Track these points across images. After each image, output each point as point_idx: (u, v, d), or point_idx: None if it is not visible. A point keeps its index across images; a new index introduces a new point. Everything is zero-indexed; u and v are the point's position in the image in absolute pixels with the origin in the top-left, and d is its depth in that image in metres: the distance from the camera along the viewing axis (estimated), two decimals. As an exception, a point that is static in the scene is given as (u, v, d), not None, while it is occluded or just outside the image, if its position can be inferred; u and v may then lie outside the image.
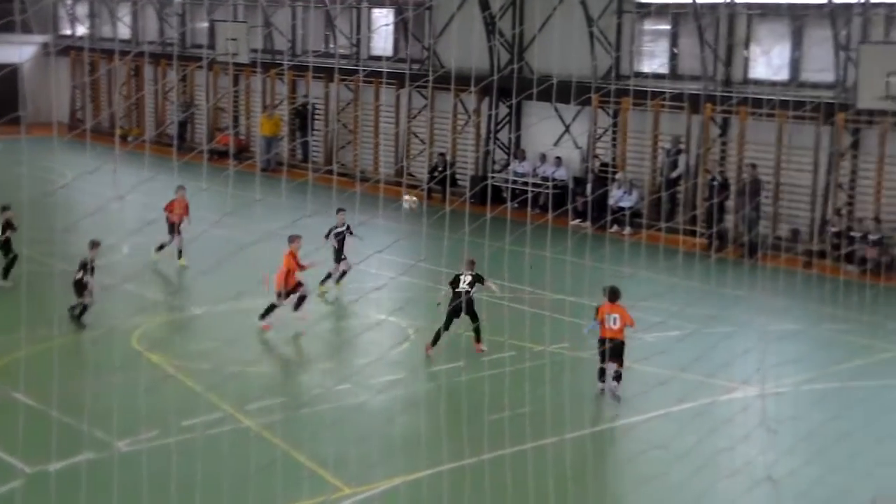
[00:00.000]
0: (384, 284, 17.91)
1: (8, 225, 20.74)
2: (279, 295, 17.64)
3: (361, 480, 12.24)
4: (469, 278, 16.90)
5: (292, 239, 17.56)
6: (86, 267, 17.72)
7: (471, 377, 14.73)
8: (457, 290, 16.82)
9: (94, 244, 17.98)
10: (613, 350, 15.35)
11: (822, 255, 24.43)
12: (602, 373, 15.55)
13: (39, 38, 46.41)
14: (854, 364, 17.29)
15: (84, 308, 17.74)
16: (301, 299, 17.76)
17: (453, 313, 16.73)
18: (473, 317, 16.86)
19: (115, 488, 10.61)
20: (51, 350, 15.90)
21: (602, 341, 15.42)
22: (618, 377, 15.32)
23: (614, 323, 15.39)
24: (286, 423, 13.74)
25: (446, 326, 16.83)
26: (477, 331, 16.95)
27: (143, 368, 15.65)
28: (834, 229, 24.69)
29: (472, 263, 17.02)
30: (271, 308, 17.81)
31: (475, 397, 13.76)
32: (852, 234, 24.33)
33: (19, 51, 42.68)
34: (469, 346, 17.15)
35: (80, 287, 17.74)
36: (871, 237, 24.11)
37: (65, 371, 14.66)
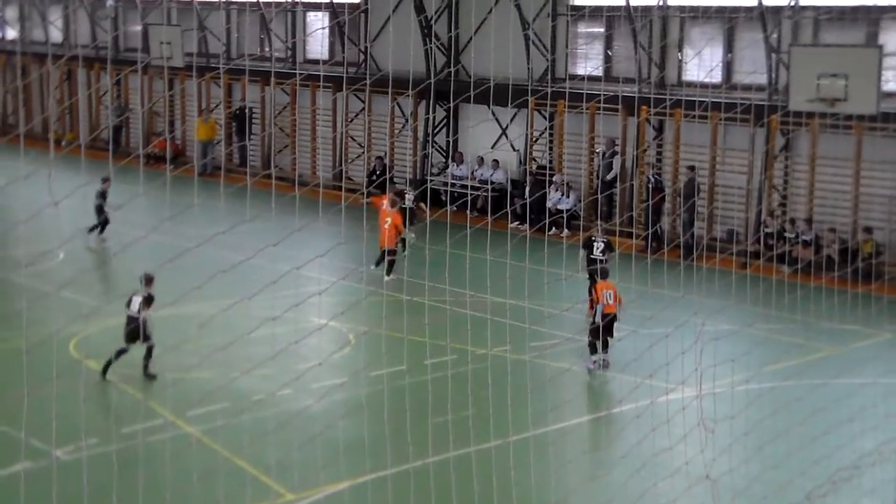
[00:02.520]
0: (325, 289, 17.83)
1: None
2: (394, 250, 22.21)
3: (305, 485, 12.19)
4: (602, 245, 20.19)
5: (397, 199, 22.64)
6: (138, 303, 16.24)
7: (414, 380, 14.72)
8: (591, 255, 19.93)
9: (149, 279, 16.51)
10: (610, 323, 16.82)
11: (756, 255, 24.80)
12: (594, 347, 17.02)
13: (-31, 42, 45.67)
14: (788, 364, 17.58)
15: (150, 352, 16.45)
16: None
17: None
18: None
19: (55, 497, 10.44)
20: (-14, 358, 15.63)
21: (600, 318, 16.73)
22: (606, 347, 16.96)
23: (609, 298, 17.01)
24: (227, 429, 13.64)
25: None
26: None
27: (81, 376, 15.43)
28: (768, 230, 25.08)
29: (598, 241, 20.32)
30: (392, 263, 22.11)
31: (418, 400, 13.74)
32: (786, 234, 24.73)
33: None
34: (411, 350, 17.14)
35: (135, 332, 16.27)
36: (804, 237, 24.53)
37: (1, 379, 14.41)
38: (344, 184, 32.69)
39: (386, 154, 32.90)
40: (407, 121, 32.92)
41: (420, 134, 32.78)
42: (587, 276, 20.18)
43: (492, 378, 14.87)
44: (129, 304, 16.28)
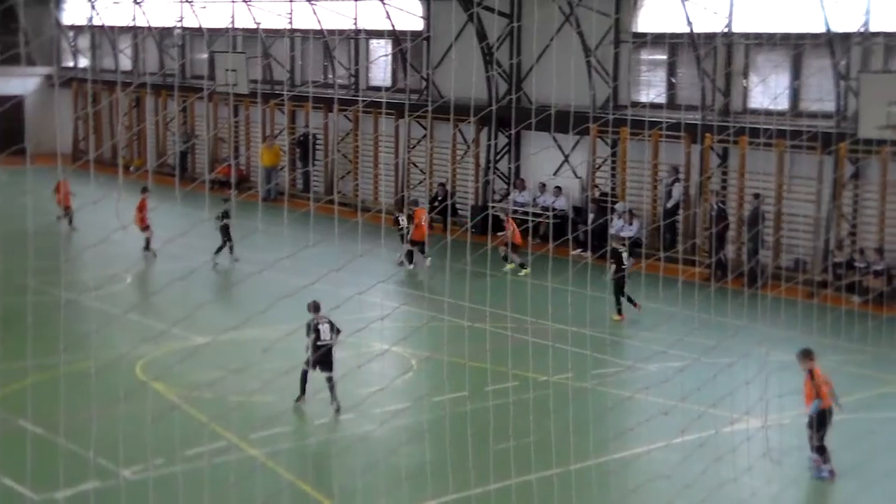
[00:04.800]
0: (387, 314, 17.92)
1: None
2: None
3: (367, 510, 12.24)
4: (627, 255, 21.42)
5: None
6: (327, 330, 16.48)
7: (475, 407, 14.75)
8: (622, 265, 20.90)
9: (316, 307, 16.63)
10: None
11: (824, 285, 24.46)
12: (824, 450, 14.32)
13: (43, 70, 46.64)
14: (858, 396, 17.29)
15: (332, 382, 16.39)
16: None
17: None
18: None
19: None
20: (56, 379, 15.92)
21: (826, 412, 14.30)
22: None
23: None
24: (291, 453, 13.74)
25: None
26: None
27: (147, 398, 15.66)
28: (837, 259, 24.74)
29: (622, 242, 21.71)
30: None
31: (480, 427, 13.77)
32: (855, 264, 24.37)
33: (23, 83, 42.90)
34: (473, 376, 17.17)
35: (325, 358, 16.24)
36: (874, 267, 24.16)
37: (70, 400, 14.67)
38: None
39: (448, 180, 33.05)
40: (469, 147, 33.05)
41: (482, 160, 32.88)
42: (615, 286, 21.78)
43: (553, 405, 14.85)
44: (315, 332, 16.33)
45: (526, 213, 30.05)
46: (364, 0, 35.36)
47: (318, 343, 16.14)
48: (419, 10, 34.41)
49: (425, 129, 33.63)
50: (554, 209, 30.10)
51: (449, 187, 32.70)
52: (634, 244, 27.46)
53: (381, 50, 36.63)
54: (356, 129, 35.65)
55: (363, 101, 34.62)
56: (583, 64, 29.61)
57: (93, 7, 44.82)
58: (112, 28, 44.83)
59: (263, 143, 37.63)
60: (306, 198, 35.55)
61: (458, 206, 32.68)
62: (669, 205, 28.06)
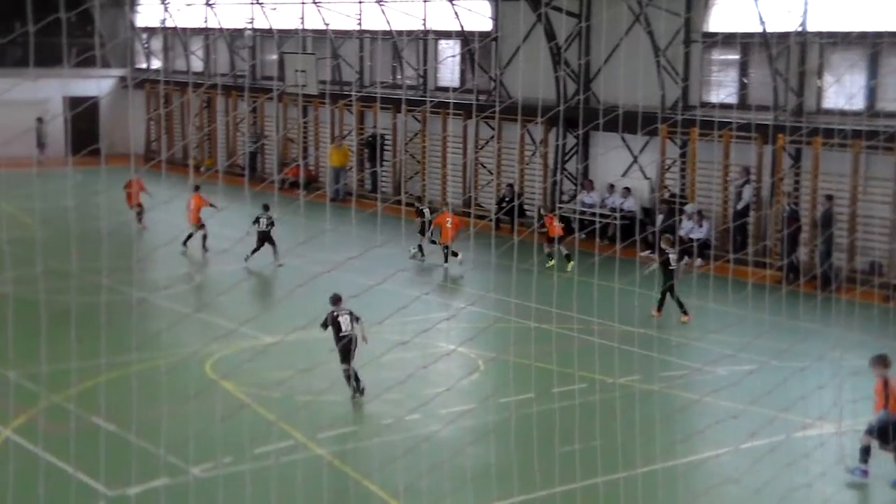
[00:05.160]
0: (453, 314, 18.00)
1: None
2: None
3: (433, 511, 12.28)
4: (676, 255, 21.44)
5: None
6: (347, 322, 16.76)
7: (541, 409, 14.72)
8: (670, 267, 20.94)
9: (337, 299, 16.97)
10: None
11: (900, 288, 24.01)
12: (868, 452, 14.12)
13: (117, 72, 47.50)
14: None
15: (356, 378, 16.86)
16: None
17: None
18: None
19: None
20: (128, 377, 16.19)
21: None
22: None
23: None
24: (357, 453, 13.83)
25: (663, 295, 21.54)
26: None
27: (217, 396, 15.87)
28: (913, 262, 24.27)
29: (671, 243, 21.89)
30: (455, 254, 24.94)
31: (546, 429, 13.74)
32: (932, 267, 23.90)
33: (98, 84, 43.71)
34: (539, 378, 17.14)
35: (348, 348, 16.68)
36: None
37: (142, 397, 14.92)
38: (473, 210, 32.91)
39: (515, 181, 33.02)
40: (537, 148, 33.00)
41: (550, 161, 32.81)
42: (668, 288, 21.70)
43: (620, 408, 14.77)
44: (332, 324, 16.61)
45: (594, 215, 29.92)
46: (433, 0, 35.47)
47: (341, 335, 16.46)
48: (488, 10, 34.42)
49: (493, 129, 33.63)
50: (622, 210, 29.93)
51: (517, 188, 32.67)
52: (704, 245, 27.20)
53: (449, 50, 36.70)
54: (424, 130, 35.76)
55: (431, 101, 34.71)
56: (652, 64, 29.41)
57: (166, 9, 45.52)
58: (184, 30, 45.46)
59: (332, 143, 37.90)
60: (374, 198, 35.74)
61: (525, 207, 32.63)
62: (740, 206, 27.75)
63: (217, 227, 25.95)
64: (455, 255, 26.64)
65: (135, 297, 19.99)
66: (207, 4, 43.25)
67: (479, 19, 34.54)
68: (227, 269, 26.26)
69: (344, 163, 37.91)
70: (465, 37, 34.93)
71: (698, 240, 27.17)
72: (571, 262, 25.32)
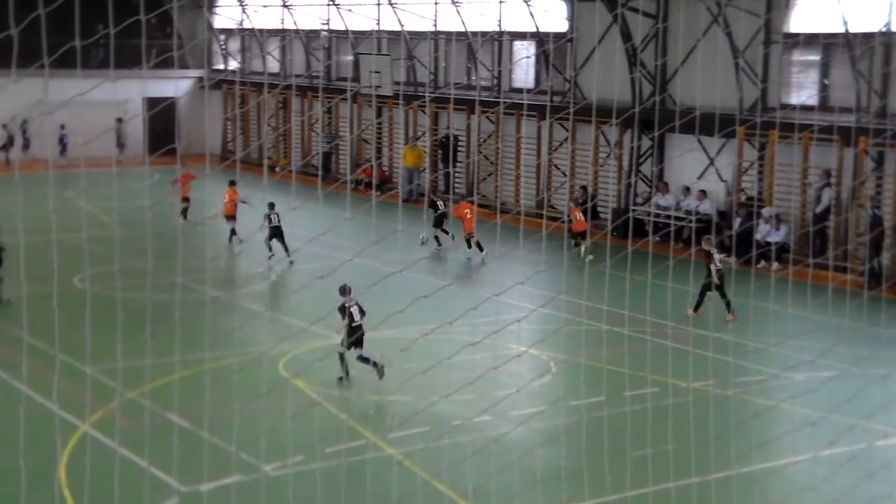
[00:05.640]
0: (524, 316, 17.91)
1: None
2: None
3: (502, 512, 12.24)
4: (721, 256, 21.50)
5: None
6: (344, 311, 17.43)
7: (613, 412, 14.62)
8: (717, 268, 21.07)
9: (346, 290, 17.62)
10: None
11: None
12: None
13: (195, 73, 48.17)
14: None
15: (363, 358, 17.48)
16: None
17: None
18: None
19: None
20: (201, 374, 16.40)
21: None
22: None
23: None
24: (427, 453, 13.85)
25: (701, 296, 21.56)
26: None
27: (288, 395, 16.00)
28: None
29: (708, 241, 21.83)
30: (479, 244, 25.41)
31: (617, 432, 13.64)
32: None
33: (176, 85, 44.38)
34: (611, 381, 17.03)
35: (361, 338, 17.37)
36: None
37: (214, 395, 15.09)
38: (546, 212, 32.79)
39: (589, 183, 32.84)
40: (611, 149, 32.79)
41: (624, 163, 32.57)
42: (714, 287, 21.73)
43: (694, 412, 14.60)
44: (347, 315, 17.11)
45: (668, 217, 29.63)
46: (508, 1, 35.42)
47: (353, 325, 17.06)
48: (563, 10, 34.29)
49: (567, 131, 33.49)
50: (697, 213, 29.61)
51: (590, 190, 32.49)
52: (782, 249, 26.80)
53: (524, 51, 36.63)
54: (498, 131, 35.73)
55: (505, 102, 34.67)
56: (730, 65, 29.04)
57: (243, 11, 46.06)
58: (261, 31, 45.98)
59: (406, 144, 38.04)
60: (447, 199, 35.77)
61: (599, 208, 32.44)
62: (819, 210, 27.27)
63: (289, 227, 26.20)
64: (480, 249, 27.39)
65: (209, 295, 20.24)
66: (284, 6, 43.68)
67: (555, 20, 34.42)
68: (300, 268, 26.48)
69: (417, 164, 38.02)
70: (540, 37, 34.83)
71: (776, 243, 26.79)
72: (590, 256, 26.63)
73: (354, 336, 17.01)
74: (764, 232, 27.61)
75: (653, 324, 19.03)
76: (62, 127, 43.19)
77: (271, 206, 26.58)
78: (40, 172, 33.88)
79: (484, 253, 27.30)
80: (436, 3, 37.69)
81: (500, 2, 35.58)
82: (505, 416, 15.38)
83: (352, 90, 38.79)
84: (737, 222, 28.10)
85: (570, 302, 22.29)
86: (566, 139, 33.76)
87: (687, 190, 30.57)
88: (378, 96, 36.68)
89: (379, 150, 40.64)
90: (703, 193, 30.09)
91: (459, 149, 37.40)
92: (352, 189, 37.96)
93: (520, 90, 36.10)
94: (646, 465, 12.26)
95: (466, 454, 13.29)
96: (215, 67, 49.03)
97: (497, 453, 14.00)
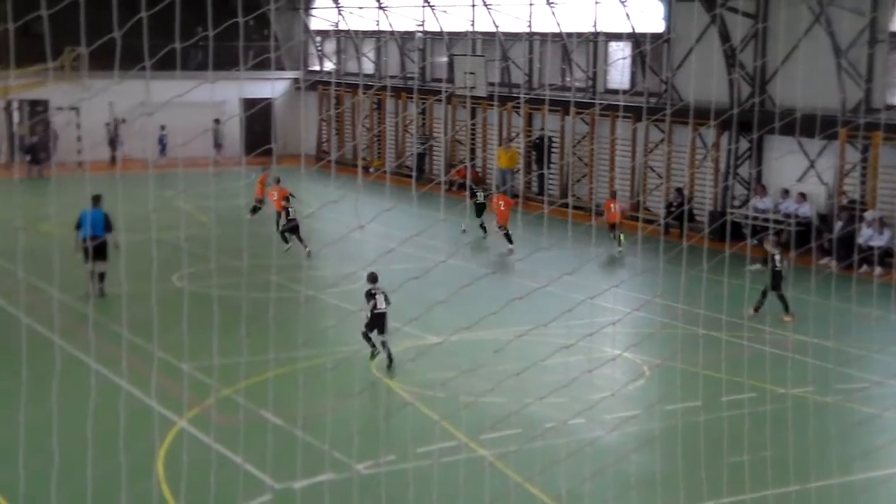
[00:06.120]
0: (619, 319, 17.76)
1: None
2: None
3: (595, 517, 12.13)
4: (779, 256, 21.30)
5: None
6: (383, 299, 18.24)
7: (709, 417, 14.39)
8: (776, 268, 20.98)
9: (374, 278, 18.50)
10: None
11: None
12: None
13: (291, 74, 48.77)
14: None
15: (387, 345, 18.23)
16: None
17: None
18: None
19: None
20: (295, 373, 16.56)
21: None
22: None
23: None
24: (520, 455, 13.78)
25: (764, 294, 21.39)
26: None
27: (381, 394, 16.07)
28: None
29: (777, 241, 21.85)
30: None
31: (713, 438, 13.42)
32: None
33: (273, 86, 45.02)
34: (707, 386, 16.77)
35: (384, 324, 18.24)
36: None
37: (308, 393, 15.23)
38: (641, 214, 32.47)
39: (685, 185, 32.44)
40: (708, 152, 32.33)
41: (721, 165, 32.10)
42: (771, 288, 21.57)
43: (792, 419, 14.30)
44: (373, 300, 18.22)
45: (766, 220, 29.11)
46: (603, 2, 35.16)
47: (376, 311, 18.05)
48: (660, 11, 33.92)
49: (663, 132, 33.13)
50: (797, 216, 29.03)
51: (686, 192, 32.09)
52: (885, 254, 26.14)
53: (619, 52, 36.33)
54: (592, 132, 35.49)
55: (600, 103, 34.42)
56: (832, 65, 28.42)
57: (339, 13, 46.49)
58: (356, 32, 46.35)
59: (500, 145, 37.98)
60: (541, 200, 35.65)
61: (695, 211, 32.01)
62: (922, 213, 26.57)
63: (383, 227, 26.28)
64: (510, 241, 28.22)
65: (303, 294, 20.44)
66: (379, 7, 43.97)
67: (651, 20, 34.08)
68: (393, 268, 26.60)
69: (511, 165, 37.95)
70: (636, 38, 34.51)
71: (879, 248, 26.15)
72: (620, 249, 27.78)
73: (378, 322, 18.05)
74: (866, 236, 26.97)
75: (750, 328, 18.71)
76: (162, 128, 44.08)
77: (288, 199, 28.00)
78: (140, 172, 34.61)
79: (511, 247, 28.01)
80: (531, 4, 37.58)
81: (596, 2, 35.33)
82: (599, 419, 15.25)
83: (446, 91, 38.86)
84: (838, 226, 27.48)
85: (666, 305, 22.02)
86: (662, 141, 33.39)
87: (786, 193, 30.00)
88: (472, 97, 36.71)
89: (473, 152, 40.66)
90: (803, 196, 29.50)
91: (553, 150, 37.24)
92: (445, 190, 38.04)
93: (615, 91, 35.81)
94: (743, 471, 12.05)
95: (560, 457, 13.18)
96: (311, 69, 49.55)
97: (591, 457, 13.88)
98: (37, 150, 41.42)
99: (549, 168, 37.02)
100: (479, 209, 30.40)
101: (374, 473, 13.08)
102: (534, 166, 37.85)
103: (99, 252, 22.04)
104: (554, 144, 37.24)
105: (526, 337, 19.01)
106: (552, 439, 14.56)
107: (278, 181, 29.66)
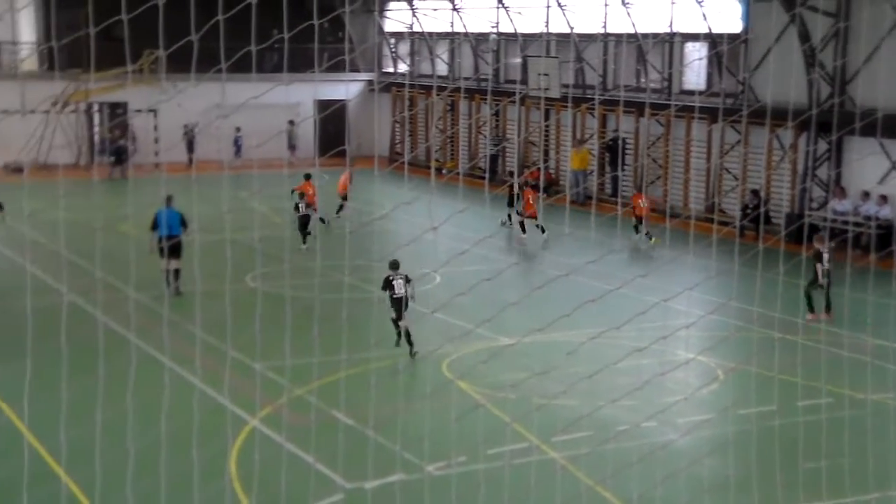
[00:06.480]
0: (693, 322, 17.57)
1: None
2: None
3: (667, 521, 12.03)
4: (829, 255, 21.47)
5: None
6: (401, 285, 18.97)
7: (784, 422, 14.20)
8: (825, 267, 20.92)
9: (395, 265, 19.13)
10: None
11: None
12: None
13: (365, 76, 49.07)
14: None
15: (406, 330, 18.94)
16: None
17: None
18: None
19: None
20: (367, 373, 16.66)
21: None
22: None
23: None
24: (591, 458, 13.72)
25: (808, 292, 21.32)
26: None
27: (452, 396, 16.10)
28: None
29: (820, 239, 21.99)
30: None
31: (789, 443, 13.24)
32: None
33: (347, 88, 45.34)
34: (782, 390, 16.52)
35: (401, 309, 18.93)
36: None
37: (379, 393, 15.31)
38: (716, 216, 32.12)
39: (761, 187, 32.02)
40: (785, 153, 31.88)
41: (799, 167, 31.63)
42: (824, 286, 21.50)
43: (872, 425, 14.04)
44: (390, 287, 18.78)
45: (846, 223, 28.61)
46: (679, 2, 34.85)
47: (394, 296, 18.65)
48: (737, 10, 33.53)
49: (740, 134, 32.74)
50: (877, 219, 28.50)
51: (762, 194, 31.67)
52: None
53: (695, 53, 35.97)
54: (668, 134, 35.19)
55: (675, 105, 34.12)
56: (916, 64, 27.87)
57: (413, 14, 46.67)
58: (430, 34, 46.49)
59: (574, 147, 37.84)
60: (614, 202, 35.44)
61: (771, 213, 31.58)
62: None
63: (455, 228, 26.37)
64: (543, 230, 29.41)
65: (376, 294, 20.55)
66: (453, 9, 44.06)
67: (728, 20, 33.69)
68: (465, 269, 26.64)
69: (583, 166, 37.77)
70: (712, 39, 34.15)
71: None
72: (654, 240, 28.16)
73: (397, 307, 18.65)
74: (950, 239, 26.39)
75: (828, 332, 18.41)
76: (237, 129, 44.62)
77: (301, 195, 28.67)
78: (215, 173, 35.10)
79: (546, 234, 29.30)
80: (605, 5, 37.38)
81: (672, 2, 35.03)
82: (671, 423, 15.12)
83: (520, 93, 38.81)
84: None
85: (741, 308, 21.75)
86: (738, 142, 33.00)
87: (866, 195, 29.48)
88: (546, 99, 36.61)
89: (546, 153, 40.56)
90: (884, 199, 28.96)
91: (627, 151, 37.00)
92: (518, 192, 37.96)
93: (691, 92, 35.48)
94: (819, 477, 11.86)
95: (631, 460, 13.10)
96: (385, 70, 49.80)
97: (663, 461, 13.76)
98: (122, 151, 42.22)
99: (622, 170, 36.79)
100: (511, 202, 31.74)
101: (444, 475, 13.10)
102: (607, 168, 37.64)
103: (174, 250, 22.46)
104: (628, 146, 37.00)
105: (598, 339, 18.91)
106: (624, 442, 14.47)
107: (308, 177, 30.44)
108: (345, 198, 31.72)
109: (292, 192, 29.70)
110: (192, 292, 22.14)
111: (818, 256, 21.76)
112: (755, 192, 31.80)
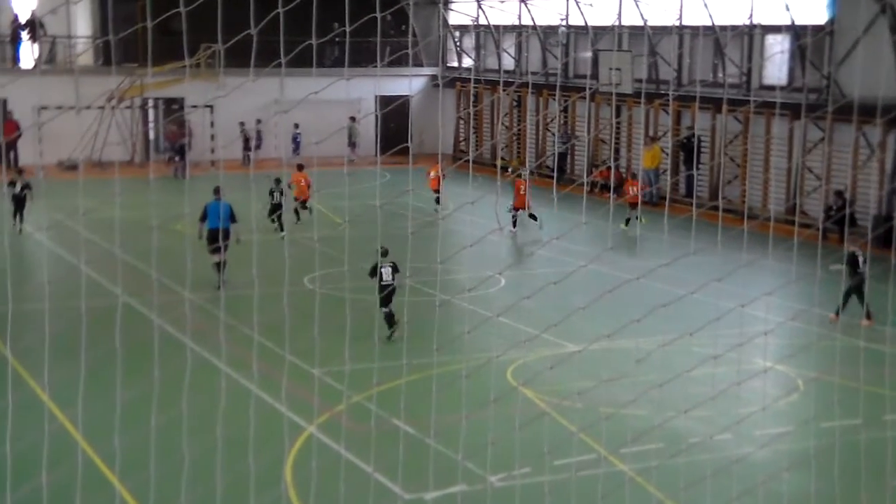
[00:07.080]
0: (771, 329, 17.39)
1: None
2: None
3: (742, 539, 11.93)
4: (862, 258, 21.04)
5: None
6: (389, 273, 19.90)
7: (870, 436, 14.02)
8: (858, 270, 20.51)
9: (385, 252, 19.88)
10: None
11: None
12: None
13: (428, 71, 49.23)
14: None
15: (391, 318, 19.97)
16: None
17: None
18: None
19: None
20: (428, 379, 16.71)
21: None
22: None
23: None
24: (662, 471, 13.65)
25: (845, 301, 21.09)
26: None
27: (517, 403, 16.10)
28: None
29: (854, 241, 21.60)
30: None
31: (875, 459, 13.06)
32: None
33: (409, 83, 45.54)
34: (868, 403, 16.31)
35: (389, 296, 19.84)
36: None
37: (441, 401, 15.36)
38: (797, 218, 31.75)
39: (846, 188, 31.60)
40: (873, 152, 31.42)
41: (888, 166, 31.15)
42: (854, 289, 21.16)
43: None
44: (378, 274, 19.55)
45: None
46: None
47: (382, 284, 19.23)
48: (823, 1, 33.12)
49: (823, 131, 32.34)
50: (971, 221, 27.99)
51: (848, 195, 31.25)
52: None
53: (777, 46, 35.58)
54: (746, 131, 34.86)
55: (755, 101, 33.80)
56: None
57: (479, 7, 46.72)
58: (496, 27, 46.51)
59: (645, 145, 37.65)
60: (689, 203, 35.19)
61: (857, 215, 31.15)
62: None
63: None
64: (534, 218, 30.16)
65: (438, 298, 20.63)
66: (521, 1, 44.04)
67: (813, 11, 33.30)
68: (531, 272, 26.61)
69: (654, 164, 37.55)
70: (795, 31, 33.77)
71: None
72: (636, 221, 30.18)
73: (384, 293, 19.13)
74: None
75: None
76: (296, 126, 45.01)
77: (277, 181, 29.43)
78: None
79: (539, 221, 30.07)
80: (681, -4, 37.15)
81: (751, -8, 34.72)
82: (747, 435, 14.98)
83: (590, 88, 38.69)
84: None
85: (824, 315, 21.50)
86: (822, 140, 32.59)
87: (959, 196, 28.97)
88: (617, 94, 36.45)
89: (617, 151, 40.38)
90: (978, 200, 28.44)
91: (703, 150, 36.72)
92: (587, 192, 37.87)
93: (772, 87, 35.10)
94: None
95: (705, 474, 13.00)
96: (449, 65, 49.92)
97: (739, 475, 13.65)
98: (184, 149, 42.81)
99: (698, 169, 36.52)
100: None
101: (508, 486, 13.11)
102: (682, 167, 37.37)
103: (223, 240, 23.15)
104: (704, 144, 36.71)
105: (670, 346, 18.81)
106: (697, 455, 14.38)
107: (301, 168, 31.62)
108: (437, 191, 32.25)
109: (289, 185, 30.98)
110: (248, 295, 22.38)
111: (853, 259, 21.54)
112: (839, 193, 31.38)
